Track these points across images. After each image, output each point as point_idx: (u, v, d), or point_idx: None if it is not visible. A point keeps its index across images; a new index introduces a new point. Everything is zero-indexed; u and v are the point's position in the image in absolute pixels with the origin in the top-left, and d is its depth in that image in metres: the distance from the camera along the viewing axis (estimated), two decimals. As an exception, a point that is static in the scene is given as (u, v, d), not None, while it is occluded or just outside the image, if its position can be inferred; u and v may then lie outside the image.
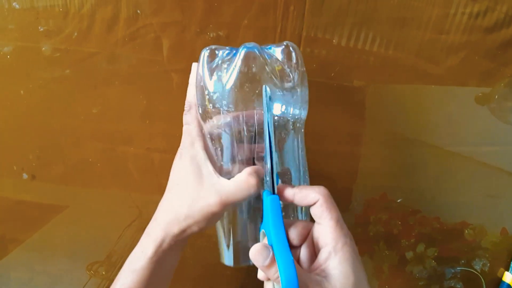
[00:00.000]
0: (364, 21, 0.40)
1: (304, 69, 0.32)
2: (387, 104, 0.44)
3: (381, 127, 0.45)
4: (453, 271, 0.49)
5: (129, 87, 0.42)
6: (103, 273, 0.48)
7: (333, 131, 0.45)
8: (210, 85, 0.30)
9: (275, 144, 0.30)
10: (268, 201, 0.27)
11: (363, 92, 0.43)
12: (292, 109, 0.32)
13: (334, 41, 0.40)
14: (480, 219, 0.47)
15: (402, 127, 0.45)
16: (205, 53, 0.31)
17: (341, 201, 0.46)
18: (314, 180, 0.44)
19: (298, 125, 0.33)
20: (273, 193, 0.28)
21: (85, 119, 0.43)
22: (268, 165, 0.28)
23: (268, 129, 0.28)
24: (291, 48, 0.31)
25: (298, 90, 0.31)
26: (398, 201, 0.46)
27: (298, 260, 0.28)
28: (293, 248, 0.28)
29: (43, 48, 0.40)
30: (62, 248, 0.48)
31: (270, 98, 0.29)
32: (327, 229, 0.26)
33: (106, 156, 0.44)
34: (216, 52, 0.31)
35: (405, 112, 0.44)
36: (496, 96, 0.42)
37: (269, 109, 0.29)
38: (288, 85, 0.31)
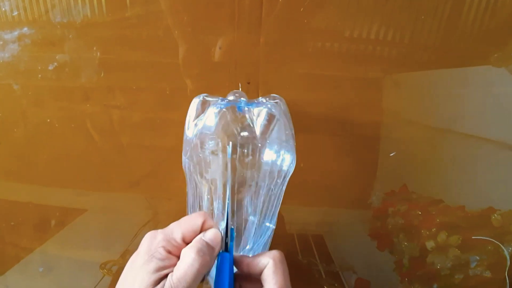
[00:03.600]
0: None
1: (289, 117, 0.33)
2: (405, 93, 0.41)
3: (399, 117, 0.42)
4: (478, 258, 0.47)
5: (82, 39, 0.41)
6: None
7: (349, 124, 0.43)
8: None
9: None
10: (218, 258, 0.27)
11: (379, 83, 0.40)
12: (276, 159, 0.33)
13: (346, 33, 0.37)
14: (509, 204, 0.45)
15: (421, 116, 0.42)
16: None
17: (361, 197, 0.45)
18: (333, 176, 0.44)
19: (284, 176, 0.34)
20: (225, 250, 0.28)
21: (43, 77, 0.42)
22: (223, 224, 0.29)
23: (228, 190, 0.30)
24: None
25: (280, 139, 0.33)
26: (391, 154, 0.44)
27: None
28: None
29: (3, 9, 0.41)
30: (78, 246, 0.50)
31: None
32: None
33: (64, 116, 0.44)
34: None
35: (424, 100, 0.42)
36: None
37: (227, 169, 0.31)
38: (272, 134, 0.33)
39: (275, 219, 0.35)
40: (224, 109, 0.31)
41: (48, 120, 0.44)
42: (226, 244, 0.28)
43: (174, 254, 0.28)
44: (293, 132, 0.34)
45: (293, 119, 0.43)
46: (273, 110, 0.33)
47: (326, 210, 0.47)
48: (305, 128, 0.43)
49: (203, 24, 0.39)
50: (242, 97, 0.35)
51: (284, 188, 0.35)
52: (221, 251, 0.28)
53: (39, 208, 0.48)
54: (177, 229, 0.28)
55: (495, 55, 0.39)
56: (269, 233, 0.35)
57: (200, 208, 0.34)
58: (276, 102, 0.34)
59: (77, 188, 0.47)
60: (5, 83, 0.43)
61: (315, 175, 0.45)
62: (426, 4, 0.38)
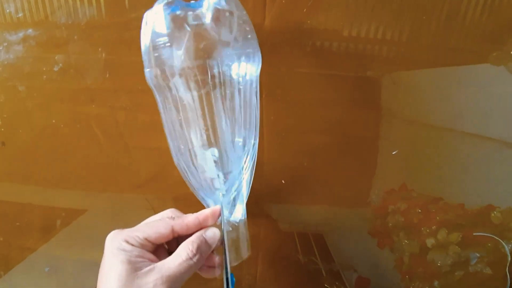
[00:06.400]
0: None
1: (245, 13, 0.32)
2: (404, 91, 0.41)
3: (398, 116, 0.42)
4: (478, 255, 0.47)
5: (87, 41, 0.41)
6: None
7: (349, 124, 0.43)
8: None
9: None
10: None
11: (378, 82, 0.40)
12: (241, 60, 0.32)
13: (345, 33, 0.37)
14: (508, 201, 0.45)
15: (420, 114, 0.42)
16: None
17: (361, 195, 0.46)
18: (332, 175, 0.45)
19: (250, 76, 0.33)
20: None
21: (47, 78, 0.42)
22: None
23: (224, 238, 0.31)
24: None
25: (240, 37, 0.32)
26: (394, 153, 0.44)
27: None
28: None
29: (7, 11, 0.40)
30: (84, 247, 0.50)
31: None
32: None
33: (69, 117, 0.44)
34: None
35: (423, 98, 0.42)
36: (511, 52, 0.39)
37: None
38: (228, 35, 0.31)
39: (252, 135, 0.35)
40: (174, 13, 0.31)
41: (54, 121, 0.44)
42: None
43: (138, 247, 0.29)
44: (252, 27, 0.33)
45: (291, 119, 0.43)
46: (222, 2, 0.31)
47: (326, 209, 0.47)
48: (304, 127, 0.43)
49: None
50: None
51: (255, 88, 0.34)
52: None
53: (45, 209, 0.48)
54: (143, 236, 0.29)
55: (494, 54, 0.39)
56: (249, 151, 0.34)
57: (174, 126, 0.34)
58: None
59: (82, 189, 0.47)
60: (10, 85, 0.43)
61: (315, 174, 0.45)
62: (424, 3, 0.38)
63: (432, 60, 0.40)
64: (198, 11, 0.31)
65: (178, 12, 0.31)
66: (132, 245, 0.28)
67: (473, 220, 0.45)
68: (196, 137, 0.33)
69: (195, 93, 0.31)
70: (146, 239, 0.29)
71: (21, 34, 0.41)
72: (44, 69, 0.42)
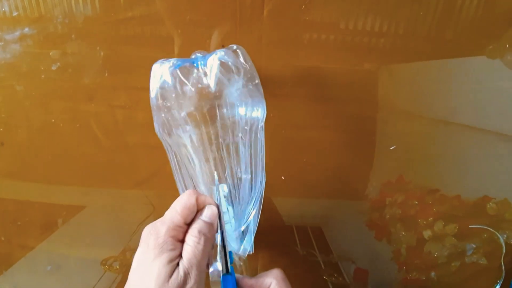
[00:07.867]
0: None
1: (251, 64, 0.33)
2: (400, 83, 0.41)
3: (395, 108, 0.42)
4: (474, 246, 0.48)
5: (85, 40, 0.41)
6: (117, 267, 0.49)
7: (346, 116, 0.43)
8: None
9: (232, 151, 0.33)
10: (221, 281, 0.29)
11: (375, 74, 0.40)
12: (247, 108, 0.33)
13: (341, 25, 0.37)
14: (504, 192, 0.45)
15: (416, 106, 0.43)
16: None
17: (358, 188, 0.46)
18: (330, 168, 0.46)
19: (255, 127, 0.34)
20: (227, 271, 0.29)
21: (45, 77, 0.42)
22: (219, 242, 0.30)
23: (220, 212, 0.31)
24: (235, 49, 0.33)
25: (246, 86, 0.33)
26: (391, 148, 0.44)
27: None
28: None
29: (2, 9, 0.40)
30: (80, 243, 0.50)
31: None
32: None
33: (68, 116, 0.44)
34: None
35: (419, 90, 0.42)
36: (507, 45, 0.39)
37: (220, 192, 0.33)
38: (236, 82, 0.32)
39: (259, 174, 0.36)
40: (177, 69, 0.32)
41: (53, 121, 0.44)
42: (227, 266, 0.29)
43: (181, 238, 0.30)
44: (258, 77, 0.34)
45: (291, 113, 0.43)
46: (225, 57, 0.32)
47: (324, 202, 0.47)
48: (302, 120, 0.43)
49: (205, 24, 0.39)
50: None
51: (260, 136, 0.36)
52: (222, 274, 0.29)
53: (45, 207, 0.49)
54: (176, 215, 0.30)
55: (490, 46, 0.39)
56: (257, 187, 0.36)
57: (181, 170, 0.35)
58: (234, 50, 0.33)
59: (82, 187, 0.48)
60: (7, 84, 0.43)
61: (313, 169, 0.45)
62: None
63: (429, 52, 0.40)
64: (202, 69, 0.32)
65: (183, 68, 0.32)
66: (178, 240, 0.29)
67: (469, 211, 0.46)
68: (205, 177, 0.34)
69: (203, 143, 0.33)
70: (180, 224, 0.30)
71: (17, 33, 0.41)
72: (42, 68, 0.42)
